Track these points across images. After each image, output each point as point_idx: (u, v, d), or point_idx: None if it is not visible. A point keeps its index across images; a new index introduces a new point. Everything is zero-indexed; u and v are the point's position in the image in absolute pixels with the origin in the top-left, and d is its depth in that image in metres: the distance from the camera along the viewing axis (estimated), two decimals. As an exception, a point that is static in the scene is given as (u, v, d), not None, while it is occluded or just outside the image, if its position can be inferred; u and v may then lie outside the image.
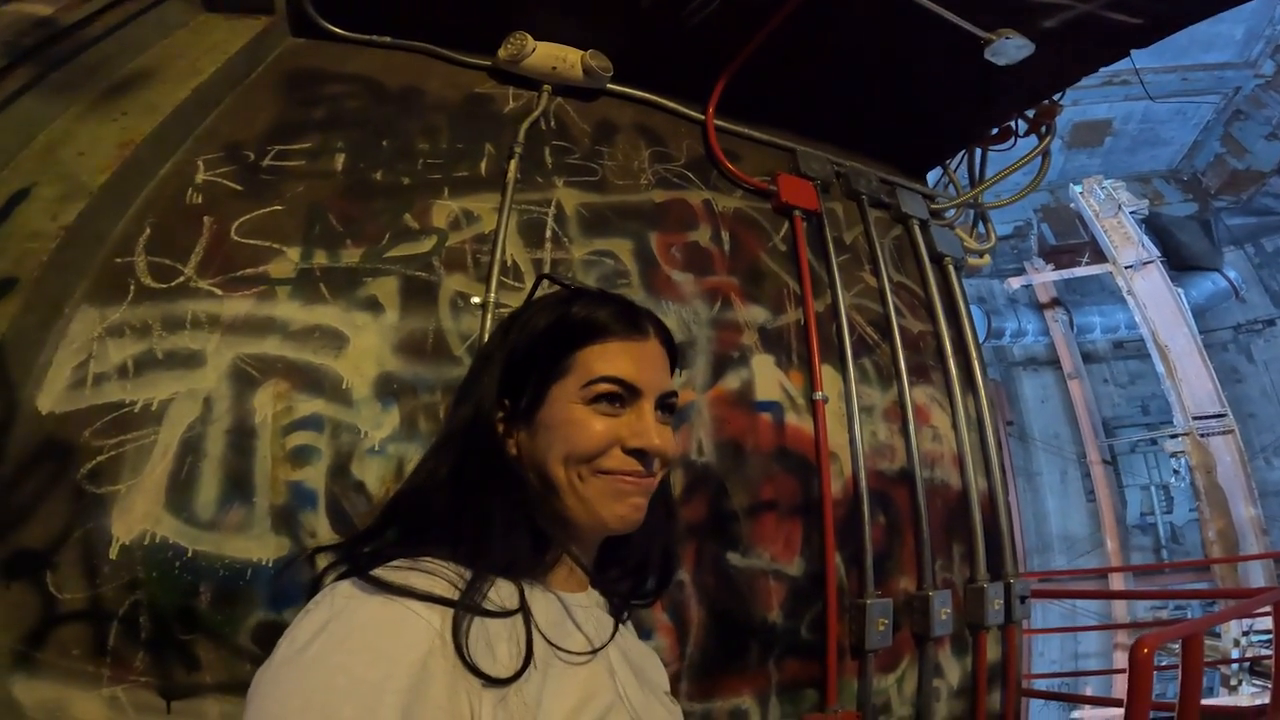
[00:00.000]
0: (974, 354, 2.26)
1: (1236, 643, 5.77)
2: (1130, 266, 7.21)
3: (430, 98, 1.83)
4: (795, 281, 2.01)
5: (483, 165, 1.77)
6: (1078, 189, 8.05)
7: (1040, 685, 5.94)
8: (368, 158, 1.68)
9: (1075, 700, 5.12)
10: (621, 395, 0.73)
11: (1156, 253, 7.38)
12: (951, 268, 2.38)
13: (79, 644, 1.22)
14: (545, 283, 0.88)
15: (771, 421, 1.81)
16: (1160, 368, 6.77)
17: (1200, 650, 1.83)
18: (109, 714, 1.21)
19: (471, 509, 0.70)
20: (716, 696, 1.60)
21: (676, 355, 0.82)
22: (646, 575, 0.85)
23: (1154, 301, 6.97)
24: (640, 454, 0.72)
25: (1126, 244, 7.37)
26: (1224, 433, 6.32)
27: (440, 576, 0.61)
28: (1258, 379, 8.73)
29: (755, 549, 1.70)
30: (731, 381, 1.80)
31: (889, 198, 2.38)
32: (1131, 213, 7.65)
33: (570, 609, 0.72)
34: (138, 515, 1.30)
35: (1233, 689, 5.76)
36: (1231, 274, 8.51)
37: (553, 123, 1.92)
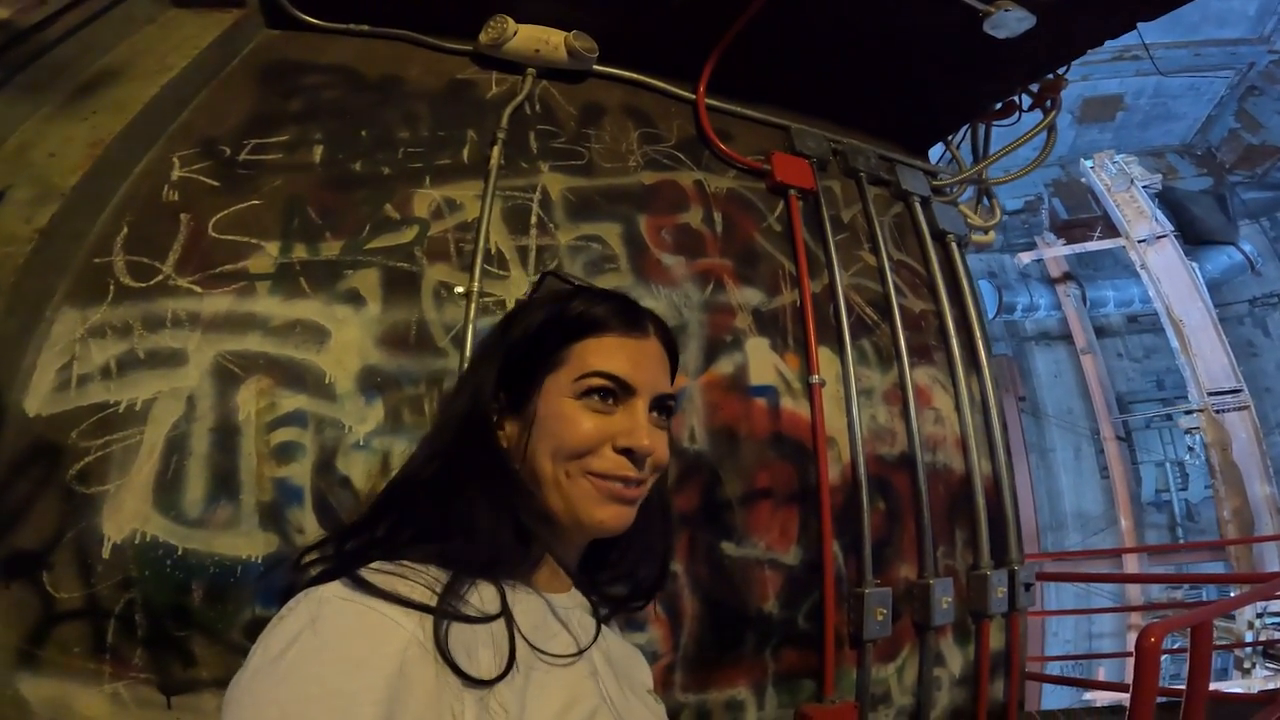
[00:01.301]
0: (978, 333, 2.20)
1: (1251, 625, 5.70)
2: (1143, 240, 7.08)
3: (410, 85, 1.79)
4: (791, 262, 1.96)
5: (465, 152, 1.74)
6: (1089, 164, 7.90)
7: (1053, 668, 5.91)
8: (346, 148, 1.65)
9: (1083, 685, 5.07)
10: (614, 391, 0.71)
11: (1170, 227, 7.25)
12: (954, 245, 2.32)
13: (79, 642, 1.24)
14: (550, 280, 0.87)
15: (766, 406, 1.78)
16: (1175, 342, 6.67)
17: (1209, 639, 1.79)
18: (112, 710, 1.22)
19: (458, 504, 0.68)
20: (712, 688, 1.58)
21: (678, 359, 0.81)
22: (638, 580, 0.84)
23: (1168, 275, 6.86)
24: (629, 454, 0.70)
25: (1139, 218, 7.24)
26: (1239, 408, 6.22)
27: (418, 581, 0.59)
28: (1274, 353, 8.58)
29: (750, 538, 1.67)
30: (725, 366, 1.76)
31: (888, 175, 2.32)
32: (1144, 187, 7.51)
33: (554, 610, 0.71)
34: (127, 514, 1.30)
35: (1246, 672, 5.70)
36: (1247, 248, 8.36)
37: (537, 106, 1.88)
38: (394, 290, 1.54)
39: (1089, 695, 5.91)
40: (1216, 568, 6.81)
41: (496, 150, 1.72)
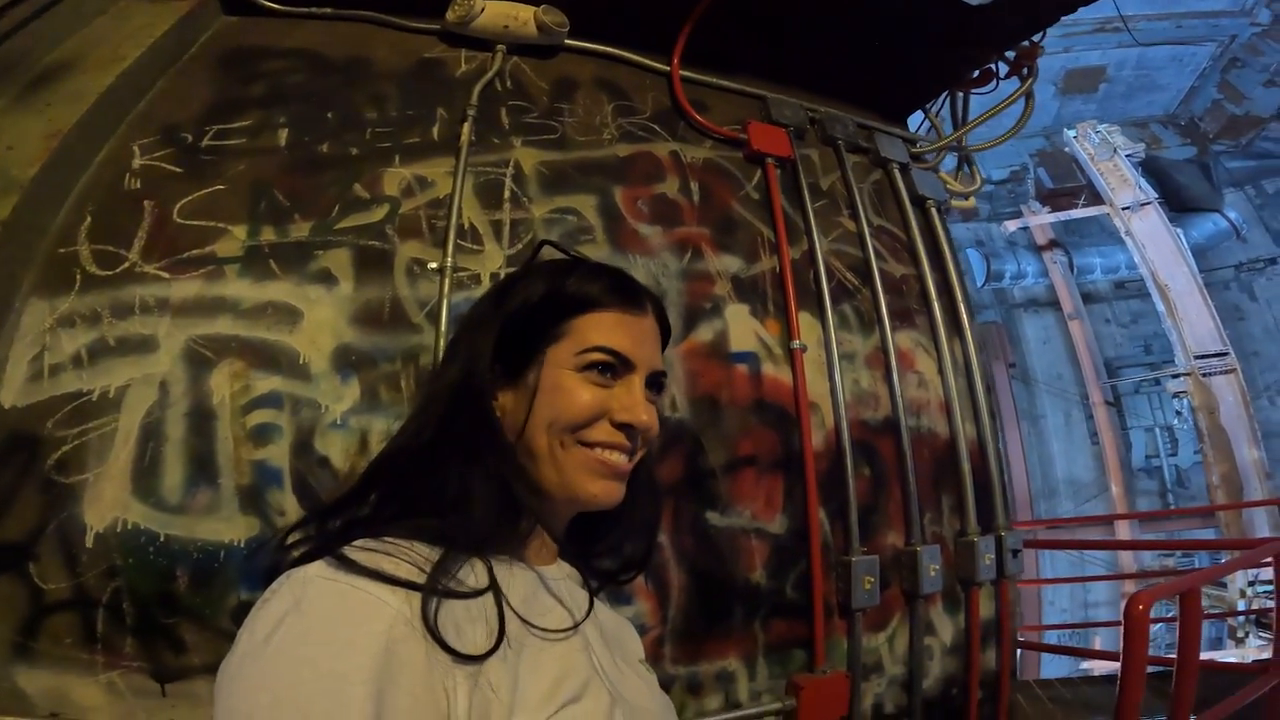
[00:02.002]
0: (960, 296, 2.20)
1: (1243, 593, 5.72)
2: (1127, 208, 7.11)
3: (377, 66, 1.76)
4: (770, 229, 1.94)
5: (435, 130, 1.71)
6: (1072, 133, 7.92)
7: (1050, 637, 5.96)
8: (312, 131, 1.62)
9: (1075, 653, 5.08)
10: (614, 366, 0.72)
11: (1154, 194, 7.28)
12: (935, 210, 2.31)
13: (70, 633, 1.24)
14: (543, 251, 0.87)
15: (748, 373, 1.77)
16: (1160, 307, 6.71)
17: (1197, 606, 1.80)
18: (109, 699, 1.23)
19: (448, 477, 0.68)
20: (702, 660, 1.58)
21: (670, 336, 0.82)
22: (626, 553, 0.85)
23: (1153, 242, 6.91)
24: (627, 429, 0.71)
25: (1123, 186, 7.27)
26: (1226, 372, 6.26)
27: (403, 558, 0.59)
28: (1261, 317, 8.65)
29: (735, 507, 1.67)
30: (705, 333, 1.75)
31: (867, 142, 2.31)
32: (1128, 156, 7.53)
33: (545, 583, 0.71)
34: (107, 503, 1.29)
35: (1240, 641, 5.73)
36: (1232, 214, 8.41)
37: (508, 83, 1.86)
38: (366, 269, 1.52)
39: (1086, 664, 5.96)
40: (1208, 534, 6.87)
41: (467, 127, 1.70)
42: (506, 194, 1.69)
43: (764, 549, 1.69)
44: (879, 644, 1.82)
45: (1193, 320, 6.38)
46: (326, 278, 1.49)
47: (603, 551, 0.84)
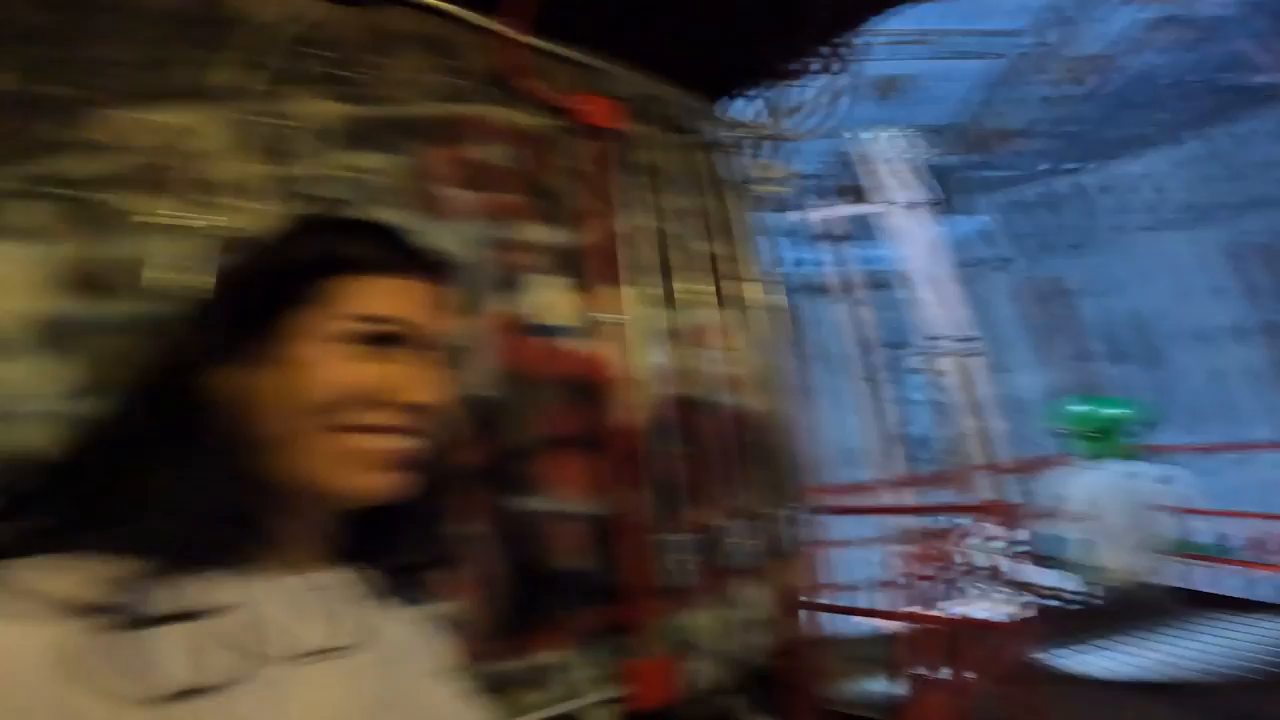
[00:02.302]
0: (763, 278, 2.32)
1: (984, 553, 6.79)
2: (898, 205, 8.42)
3: (145, 4, 1.40)
4: (588, 201, 1.90)
5: (214, 75, 1.42)
6: (867, 136, 8.97)
7: (848, 598, 6.66)
8: (30, 71, 1.25)
9: (861, 614, 5.73)
10: (387, 337, 0.60)
11: (923, 196, 8.54)
12: (744, 194, 2.42)
13: None
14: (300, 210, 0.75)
15: (560, 347, 1.72)
16: (920, 295, 8.14)
17: (933, 565, 2.06)
18: None
19: (159, 475, 0.53)
20: (524, 653, 1.52)
21: (458, 299, 0.70)
22: (420, 548, 0.73)
23: (917, 238, 8.29)
24: (405, 409, 0.60)
25: (898, 186, 8.49)
26: (974, 354, 7.63)
27: (75, 576, 0.46)
28: (1003, 307, 10.48)
29: (548, 490, 1.62)
30: (516, 305, 1.67)
31: (688, 123, 2.34)
32: (905, 160, 8.69)
33: (297, 595, 0.59)
34: None
35: (983, 599, 6.82)
36: (983, 218, 10.09)
37: (316, 30, 1.59)
38: (85, 225, 1.22)
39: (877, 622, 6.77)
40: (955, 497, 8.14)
41: (248, 73, 1.43)
42: (289, 148, 1.46)
43: (580, 532, 1.65)
44: (696, 622, 1.85)
45: (946, 308, 7.78)
46: (26, 234, 1.17)
47: (390, 550, 0.72)
